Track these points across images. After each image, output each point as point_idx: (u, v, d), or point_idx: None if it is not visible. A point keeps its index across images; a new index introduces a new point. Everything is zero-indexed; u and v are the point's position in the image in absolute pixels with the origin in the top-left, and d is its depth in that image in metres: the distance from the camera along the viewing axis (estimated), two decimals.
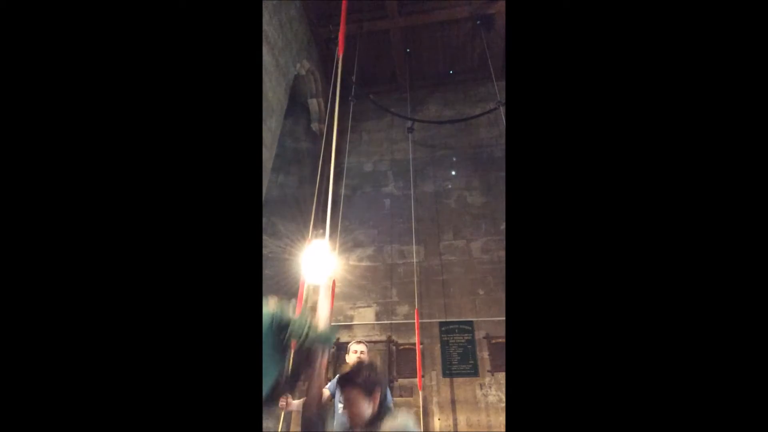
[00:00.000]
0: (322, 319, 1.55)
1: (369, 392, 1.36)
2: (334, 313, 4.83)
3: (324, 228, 2.02)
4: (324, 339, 1.50)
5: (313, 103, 6.79)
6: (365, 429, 1.32)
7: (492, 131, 6.66)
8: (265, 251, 5.39)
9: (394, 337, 5.12)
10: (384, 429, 1.30)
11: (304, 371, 1.50)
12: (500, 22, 6.18)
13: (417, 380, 4.46)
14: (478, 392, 4.72)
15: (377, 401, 1.37)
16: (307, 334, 1.43)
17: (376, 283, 5.61)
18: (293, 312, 1.50)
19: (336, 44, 5.61)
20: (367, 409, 1.35)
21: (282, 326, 1.42)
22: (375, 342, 5.04)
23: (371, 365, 1.53)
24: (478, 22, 6.28)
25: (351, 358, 2.70)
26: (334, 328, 1.54)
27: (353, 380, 1.39)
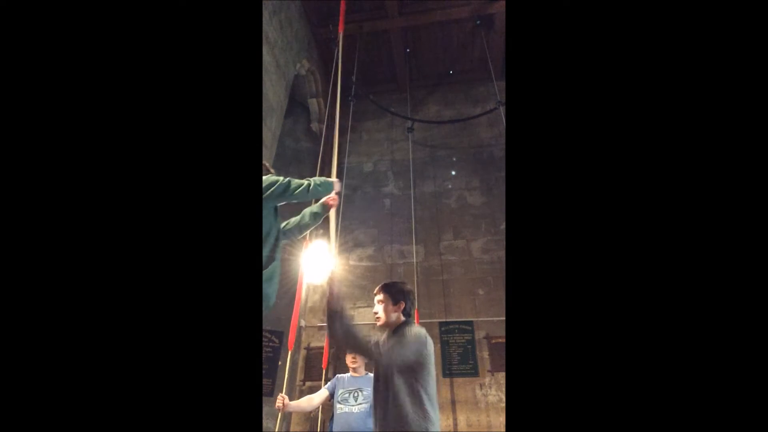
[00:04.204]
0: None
1: (396, 301, 1.70)
2: None
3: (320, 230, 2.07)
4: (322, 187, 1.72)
5: (313, 103, 6.79)
6: (389, 334, 1.64)
7: (492, 131, 6.66)
8: None
9: None
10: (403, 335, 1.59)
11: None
12: (500, 22, 6.18)
13: None
14: (478, 392, 4.72)
15: (401, 309, 1.70)
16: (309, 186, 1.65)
17: (376, 283, 5.54)
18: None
19: (336, 44, 5.61)
20: (393, 314, 1.68)
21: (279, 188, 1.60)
22: None
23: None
24: (478, 22, 6.28)
25: (349, 359, 2.70)
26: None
27: (386, 286, 1.75)
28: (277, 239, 1.61)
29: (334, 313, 1.54)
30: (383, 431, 1.48)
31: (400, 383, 1.49)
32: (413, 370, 1.50)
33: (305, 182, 1.67)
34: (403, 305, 1.71)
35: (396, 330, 1.67)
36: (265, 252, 1.51)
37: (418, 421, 1.43)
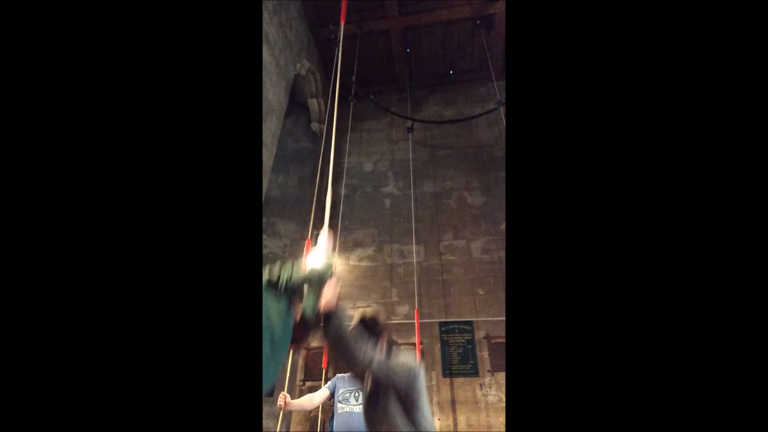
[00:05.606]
0: (314, 261, 1.70)
1: (377, 335, 1.61)
2: None
3: (321, 228, 2.04)
4: (314, 277, 1.53)
5: (313, 103, 6.79)
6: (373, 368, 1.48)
7: (492, 131, 6.67)
8: (265, 251, 5.39)
9: (394, 337, 5.12)
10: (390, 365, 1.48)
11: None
12: (500, 22, 6.18)
13: None
14: (478, 392, 4.72)
15: (383, 346, 1.62)
16: (289, 278, 1.47)
17: (376, 283, 5.62)
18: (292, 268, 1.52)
19: (336, 44, 5.61)
20: (372, 350, 1.49)
21: (274, 282, 1.46)
22: None
23: (374, 319, 1.68)
24: (478, 22, 6.28)
25: None
26: (328, 265, 1.62)
27: (364, 323, 1.63)
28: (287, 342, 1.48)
29: (331, 312, 1.45)
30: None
31: (394, 404, 1.46)
32: (407, 396, 1.47)
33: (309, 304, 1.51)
34: (385, 339, 1.66)
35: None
36: (279, 359, 1.38)
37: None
